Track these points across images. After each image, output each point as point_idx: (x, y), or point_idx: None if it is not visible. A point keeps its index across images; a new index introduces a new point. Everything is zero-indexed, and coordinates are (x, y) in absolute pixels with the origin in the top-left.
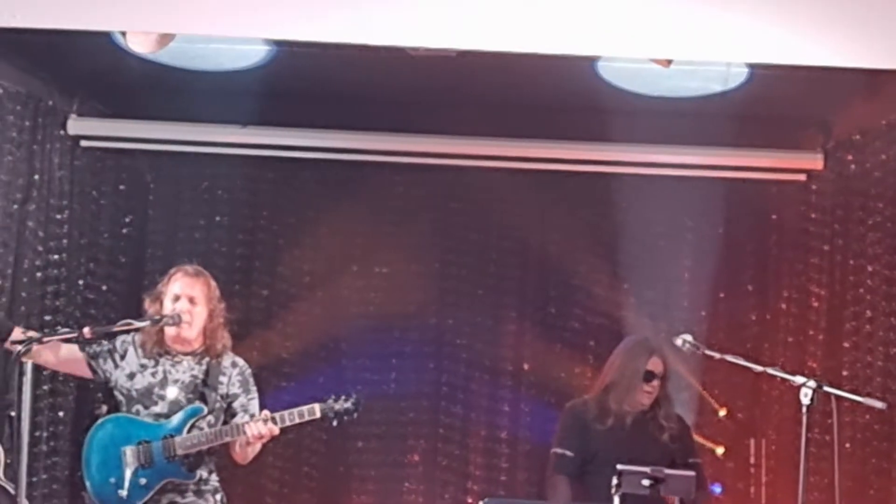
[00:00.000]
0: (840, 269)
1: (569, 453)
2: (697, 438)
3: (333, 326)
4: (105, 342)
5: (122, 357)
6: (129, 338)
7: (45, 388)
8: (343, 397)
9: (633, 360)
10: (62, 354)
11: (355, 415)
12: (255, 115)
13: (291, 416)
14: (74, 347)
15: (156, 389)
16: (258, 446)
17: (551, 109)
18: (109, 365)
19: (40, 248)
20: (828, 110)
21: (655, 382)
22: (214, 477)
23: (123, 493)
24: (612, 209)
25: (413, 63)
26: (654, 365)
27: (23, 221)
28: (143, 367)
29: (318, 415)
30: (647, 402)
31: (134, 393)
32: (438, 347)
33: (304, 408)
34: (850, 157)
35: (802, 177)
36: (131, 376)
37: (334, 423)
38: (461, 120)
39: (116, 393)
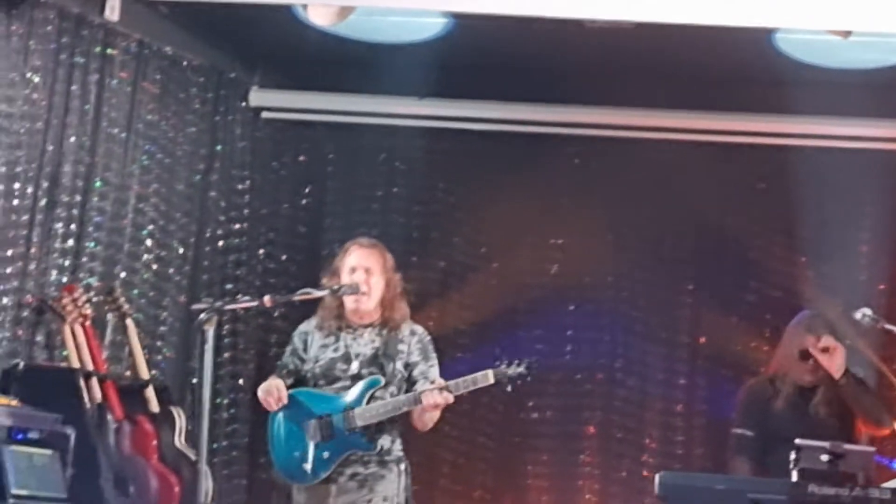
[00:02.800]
0: None
1: (749, 433)
2: None
3: (509, 297)
4: (286, 352)
5: (305, 349)
6: (305, 327)
7: (226, 355)
8: (516, 362)
9: (792, 339)
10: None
11: (528, 379)
12: (433, 87)
13: (466, 383)
14: (277, 382)
15: (338, 365)
16: (436, 414)
17: (728, 81)
18: (296, 362)
19: (222, 218)
20: None
21: (817, 360)
22: (398, 445)
23: (308, 466)
24: (790, 182)
25: (589, 35)
26: (811, 342)
27: (205, 192)
28: (325, 346)
29: (491, 380)
30: (810, 379)
31: (318, 370)
32: (614, 319)
33: (478, 374)
34: None
35: None
36: (316, 359)
37: (508, 388)
38: (637, 92)
39: (301, 366)
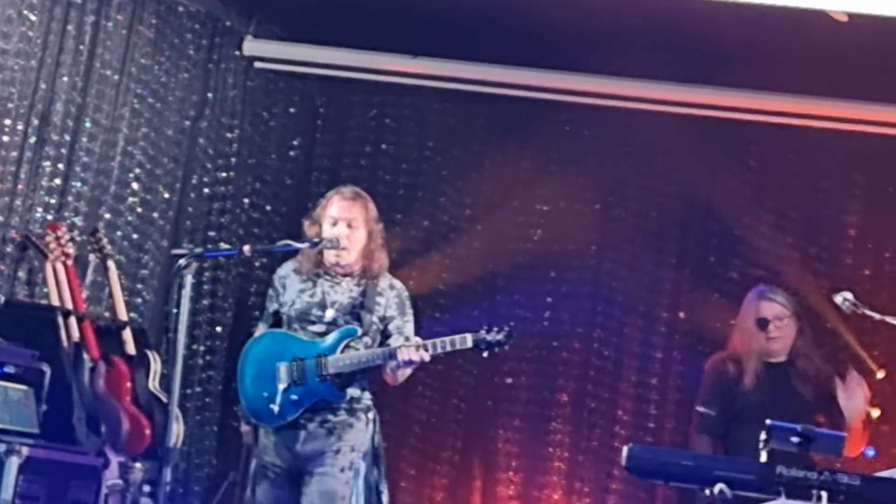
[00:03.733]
0: None
1: (712, 413)
2: None
3: (491, 260)
4: (267, 296)
5: (284, 291)
6: (283, 271)
7: (205, 303)
8: (495, 329)
9: (748, 311)
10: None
11: (506, 347)
12: (427, 46)
13: (443, 344)
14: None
15: (313, 310)
16: (409, 370)
17: (726, 57)
18: (275, 306)
19: (209, 165)
20: None
21: (773, 328)
22: (367, 395)
23: (275, 407)
24: (781, 161)
25: (590, 2)
26: (767, 310)
27: (194, 138)
28: (302, 290)
29: (469, 344)
30: (776, 347)
31: (293, 313)
32: (594, 289)
33: (457, 336)
34: None
35: None
36: (291, 303)
37: (485, 353)
38: (634, 63)
39: (279, 307)
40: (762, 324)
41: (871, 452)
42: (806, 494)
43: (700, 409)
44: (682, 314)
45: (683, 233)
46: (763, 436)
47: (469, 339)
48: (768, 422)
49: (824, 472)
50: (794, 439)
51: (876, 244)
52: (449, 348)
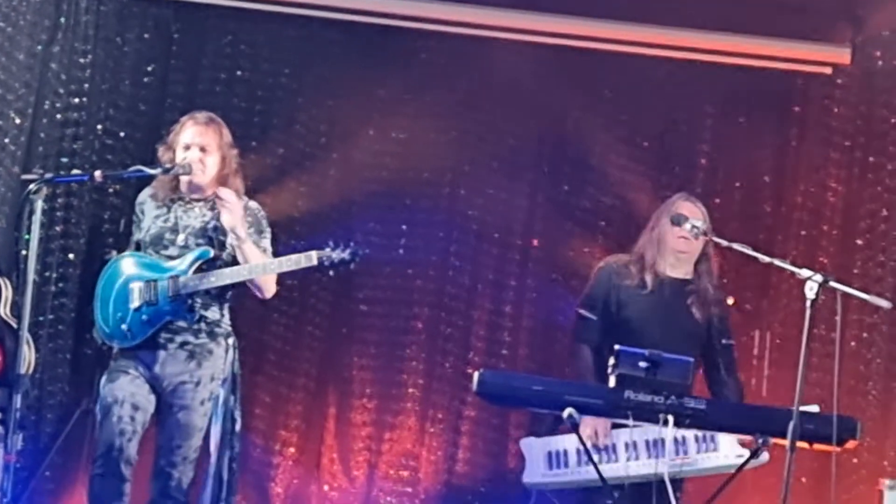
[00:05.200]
0: (859, 165)
1: (592, 317)
2: None
3: (346, 188)
4: (133, 219)
5: (143, 217)
6: (142, 197)
7: (58, 229)
8: (341, 247)
9: (663, 209)
10: None
11: (352, 266)
12: None
13: (289, 262)
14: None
15: (166, 234)
16: (272, 283)
17: None
18: (138, 233)
19: (61, 91)
20: (859, 4)
21: (687, 227)
22: (227, 321)
23: (125, 327)
24: (634, 91)
25: None
26: (688, 210)
27: (46, 63)
28: (157, 216)
29: (314, 262)
30: (682, 248)
31: (148, 238)
32: (449, 217)
33: (302, 255)
34: (877, 54)
35: (828, 70)
36: (147, 228)
37: (330, 272)
38: None
39: (136, 230)
40: (678, 220)
41: None
42: (653, 418)
43: (581, 311)
44: (535, 242)
45: (537, 161)
46: (612, 360)
47: (314, 257)
48: (617, 347)
49: (671, 396)
50: (642, 364)
51: (726, 174)
52: (294, 266)
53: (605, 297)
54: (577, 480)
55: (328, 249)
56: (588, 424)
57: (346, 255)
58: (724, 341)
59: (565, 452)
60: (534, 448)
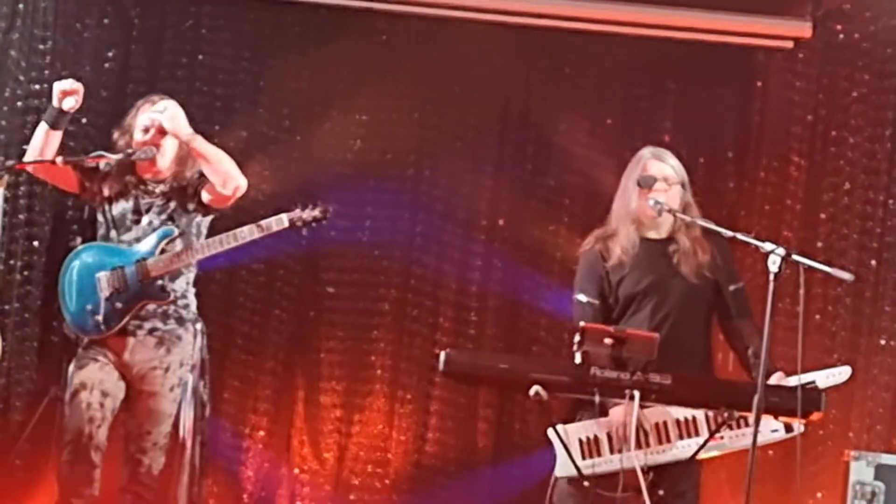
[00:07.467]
0: (821, 139)
1: (595, 301)
2: None
3: (310, 171)
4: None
5: (105, 179)
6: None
7: (21, 217)
8: (310, 206)
9: (629, 169)
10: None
11: (324, 222)
12: None
13: (260, 229)
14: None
15: (129, 215)
16: (232, 167)
17: None
18: (97, 186)
19: (21, 78)
20: None
21: (658, 189)
22: (193, 302)
23: (99, 318)
24: (596, 68)
25: None
26: (655, 169)
27: (5, 50)
28: (120, 193)
29: (285, 224)
30: (655, 214)
31: (111, 217)
32: (414, 198)
33: (272, 219)
34: (838, 27)
35: (790, 44)
36: (110, 200)
37: (304, 231)
38: None
39: (99, 216)
40: (647, 181)
41: None
42: (620, 394)
43: (579, 297)
44: (501, 221)
45: (501, 140)
46: (577, 337)
47: (285, 219)
48: (582, 324)
49: (637, 372)
50: (608, 341)
51: (689, 150)
52: (265, 232)
53: (598, 282)
54: (611, 470)
55: (297, 210)
56: (618, 413)
57: (316, 212)
58: (731, 287)
59: (596, 440)
60: (567, 435)
